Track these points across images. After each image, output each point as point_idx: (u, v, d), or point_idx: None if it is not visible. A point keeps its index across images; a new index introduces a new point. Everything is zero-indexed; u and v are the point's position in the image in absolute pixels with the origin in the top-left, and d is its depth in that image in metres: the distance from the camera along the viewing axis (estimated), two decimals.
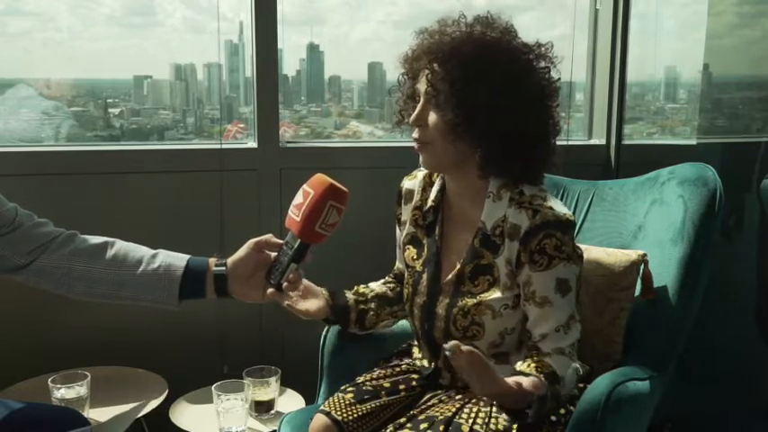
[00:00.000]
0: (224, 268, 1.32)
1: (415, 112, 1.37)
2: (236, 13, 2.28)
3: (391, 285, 1.64)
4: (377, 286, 1.64)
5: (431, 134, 1.35)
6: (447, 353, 1.09)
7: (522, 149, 1.33)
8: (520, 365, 1.29)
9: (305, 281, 1.51)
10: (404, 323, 1.65)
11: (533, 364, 1.27)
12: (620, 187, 1.82)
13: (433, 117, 1.35)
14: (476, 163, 1.34)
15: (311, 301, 1.53)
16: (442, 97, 1.32)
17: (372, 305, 1.59)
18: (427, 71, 1.34)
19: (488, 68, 1.30)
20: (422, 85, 1.36)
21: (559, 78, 1.39)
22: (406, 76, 1.43)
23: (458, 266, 1.42)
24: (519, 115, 1.31)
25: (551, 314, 1.32)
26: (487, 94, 1.29)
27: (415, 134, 1.38)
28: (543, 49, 1.37)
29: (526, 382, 1.20)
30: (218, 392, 1.78)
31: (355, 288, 1.61)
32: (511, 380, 1.19)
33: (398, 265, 1.64)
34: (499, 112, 1.29)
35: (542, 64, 1.36)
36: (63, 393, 1.75)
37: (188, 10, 2.53)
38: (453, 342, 1.10)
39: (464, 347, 1.10)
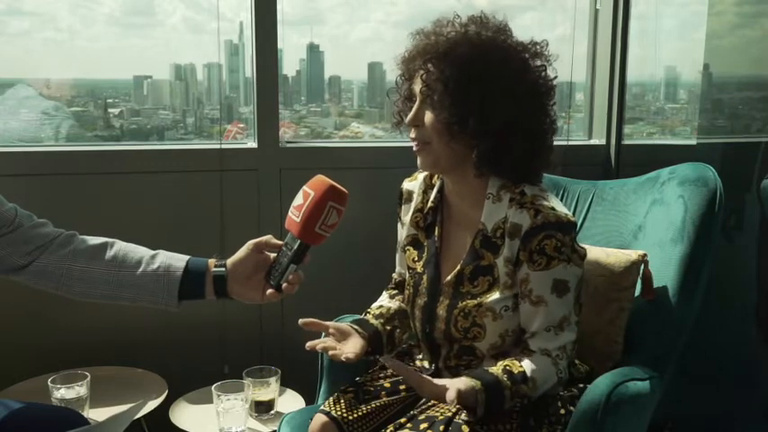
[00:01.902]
0: (223, 269, 1.32)
1: (411, 112, 1.37)
2: (236, 13, 2.28)
3: (400, 297, 1.61)
4: (389, 302, 1.60)
5: (427, 134, 1.36)
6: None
7: (519, 148, 1.33)
8: (490, 366, 1.32)
9: (330, 323, 1.46)
10: None
11: (503, 364, 1.31)
12: (620, 187, 1.82)
13: (428, 117, 1.35)
14: (473, 162, 1.34)
15: (351, 343, 1.43)
16: (436, 96, 1.32)
17: (396, 322, 1.55)
18: (422, 71, 1.35)
19: (483, 67, 1.30)
20: (417, 86, 1.37)
21: (555, 77, 1.39)
22: (402, 78, 1.44)
23: (457, 267, 1.42)
24: (514, 114, 1.31)
25: (543, 313, 1.33)
26: (482, 92, 1.30)
27: (412, 134, 1.39)
28: (538, 47, 1.37)
29: (459, 382, 1.26)
30: (218, 392, 1.78)
31: (372, 312, 1.56)
32: (442, 381, 1.27)
33: (399, 269, 1.63)
34: (494, 110, 1.30)
35: (537, 62, 1.36)
36: (63, 393, 1.75)
37: (188, 10, 2.53)
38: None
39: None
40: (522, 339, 1.37)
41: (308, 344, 1.39)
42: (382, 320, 1.53)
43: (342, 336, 1.44)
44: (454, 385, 1.24)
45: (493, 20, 1.37)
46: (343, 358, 1.36)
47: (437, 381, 1.27)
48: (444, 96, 1.31)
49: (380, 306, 1.59)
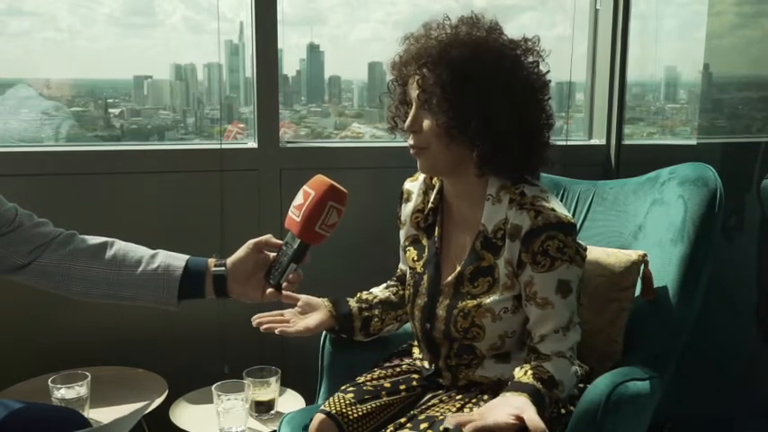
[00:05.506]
0: (223, 269, 1.32)
1: (409, 118, 1.36)
2: (236, 13, 2.28)
3: (394, 290, 1.63)
4: (380, 291, 1.63)
5: (426, 139, 1.35)
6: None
7: (518, 145, 1.33)
8: (518, 372, 1.29)
9: (303, 296, 1.52)
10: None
11: (531, 371, 1.27)
12: (620, 187, 1.82)
13: (427, 122, 1.34)
14: (473, 163, 1.34)
15: (311, 317, 1.53)
16: (434, 101, 1.31)
17: (376, 311, 1.58)
18: (417, 76, 1.34)
19: (478, 68, 1.30)
20: (413, 91, 1.36)
21: (548, 71, 1.39)
22: (395, 83, 1.43)
23: (458, 268, 1.42)
24: (511, 111, 1.31)
25: (551, 315, 1.32)
26: (479, 93, 1.29)
27: (411, 140, 1.38)
28: (530, 43, 1.37)
29: (527, 414, 1.16)
30: (219, 392, 1.78)
31: (358, 295, 1.61)
32: (512, 415, 1.16)
33: (401, 266, 1.64)
34: (492, 109, 1.29)
35: (530, 59, 1.36)
36: (63, 393, 1.75)
37: (188, 10, 2.53)
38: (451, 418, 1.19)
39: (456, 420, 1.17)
40: (529, 345, 1.36)
41: (255, 320, 1.49)
42: (362, 305, 1.57)
43: (310, 309, 1.53)
44: (522, 411, 1.15)
45: (483, 19, 1.36)
46: (291, 331, 1.46)
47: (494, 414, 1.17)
48: (442, 100, 1.30)
49: (369, 293, 1.61)
